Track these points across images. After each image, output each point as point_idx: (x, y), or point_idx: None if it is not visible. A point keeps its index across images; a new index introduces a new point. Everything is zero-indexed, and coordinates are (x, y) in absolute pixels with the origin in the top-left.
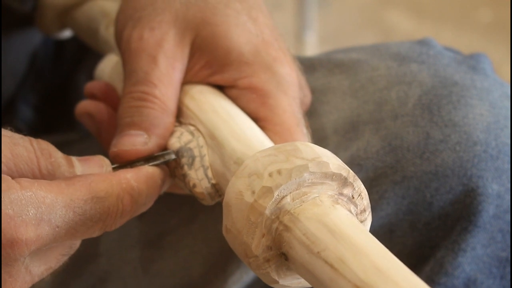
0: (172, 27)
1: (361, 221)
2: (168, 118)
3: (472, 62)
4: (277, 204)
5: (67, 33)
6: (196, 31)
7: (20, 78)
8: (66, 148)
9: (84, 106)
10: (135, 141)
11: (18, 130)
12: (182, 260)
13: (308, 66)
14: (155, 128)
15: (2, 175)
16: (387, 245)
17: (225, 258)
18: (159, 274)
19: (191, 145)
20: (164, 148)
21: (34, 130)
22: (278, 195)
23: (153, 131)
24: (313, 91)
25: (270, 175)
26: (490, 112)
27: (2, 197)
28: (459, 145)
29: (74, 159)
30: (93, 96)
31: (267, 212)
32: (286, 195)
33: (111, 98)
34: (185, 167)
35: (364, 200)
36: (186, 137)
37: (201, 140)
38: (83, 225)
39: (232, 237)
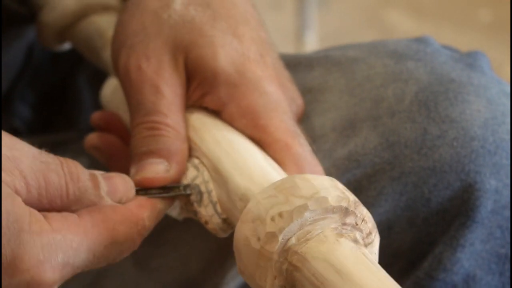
0: (165, 53)
1: (369, 243)
2: (183, 145)
3: (469, 60)
4: (283, 247)
5: (67, 45)
6: (185, 53)
7: (15, 74)
8: (63, 147)
9: (91, 140)
10: (157, 169)
11: (15, 129)
12: (181, 256)
13: (306, 65)
14: (174, 156)
15: (37, 213)
16: (385, 241)
17: (224, 254)
18: (158, 270)
19: (198, 181)
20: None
21: (31, 129)
22: (283, 238)
23: (172, 159)
24: (311, 90)
25: (272, 219)
26: (488, 108)
27: (35, 240)
28: (457, 140)
29: (99, 177)
30: (99, 127)
31: (275, 256)
32: (290, 237)
33: (116, 128)
34: (195, 205)
35: (369, 223)
36: (192, 172)
37: (206, 175)
38: (97, 264)
39: (246, 278)
